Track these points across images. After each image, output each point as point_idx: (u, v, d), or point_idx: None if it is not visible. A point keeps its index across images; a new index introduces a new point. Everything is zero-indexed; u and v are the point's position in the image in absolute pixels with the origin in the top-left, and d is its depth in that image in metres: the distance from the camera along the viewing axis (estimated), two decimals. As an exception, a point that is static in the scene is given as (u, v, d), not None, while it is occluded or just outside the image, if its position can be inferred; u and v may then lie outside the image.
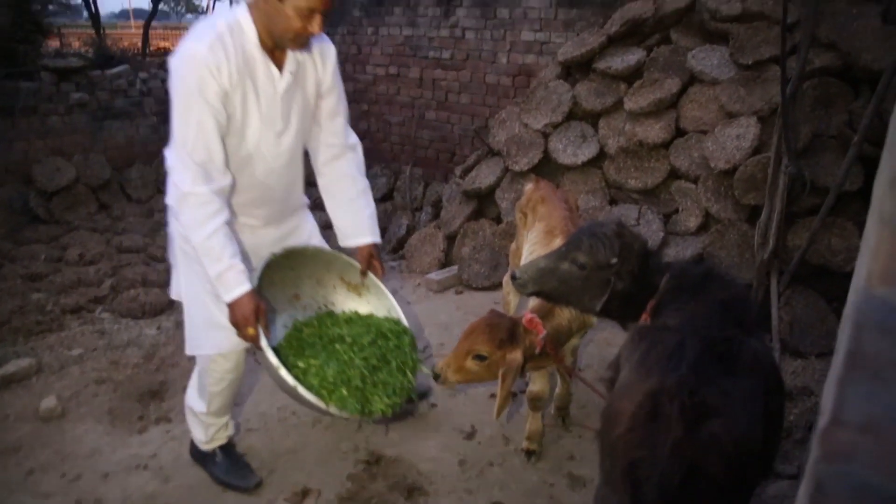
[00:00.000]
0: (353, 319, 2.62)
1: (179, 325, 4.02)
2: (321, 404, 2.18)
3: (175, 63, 1.93)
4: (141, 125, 6.69)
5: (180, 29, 20.55)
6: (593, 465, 2.85)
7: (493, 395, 2.98)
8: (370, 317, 2.65)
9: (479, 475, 2.77)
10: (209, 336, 2.33)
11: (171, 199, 2.13)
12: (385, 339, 2.53)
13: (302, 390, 2.13)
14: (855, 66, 3.95)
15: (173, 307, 4.27)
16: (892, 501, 0.73)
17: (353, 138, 2.49)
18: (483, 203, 5.25)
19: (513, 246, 3.44)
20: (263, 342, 2.10)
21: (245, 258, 2.20)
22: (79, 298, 4.22)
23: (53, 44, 9.84)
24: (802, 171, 3.66)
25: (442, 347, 3.87)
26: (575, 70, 5.14)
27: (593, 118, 4.86)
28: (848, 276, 3.71)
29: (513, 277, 2.13)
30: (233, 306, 2.09)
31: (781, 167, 3.65)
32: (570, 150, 4.79)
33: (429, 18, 6.51)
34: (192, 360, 3.63)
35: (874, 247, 0.69)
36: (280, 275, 2.49)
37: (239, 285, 2.06)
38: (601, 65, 4.80)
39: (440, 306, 4.38)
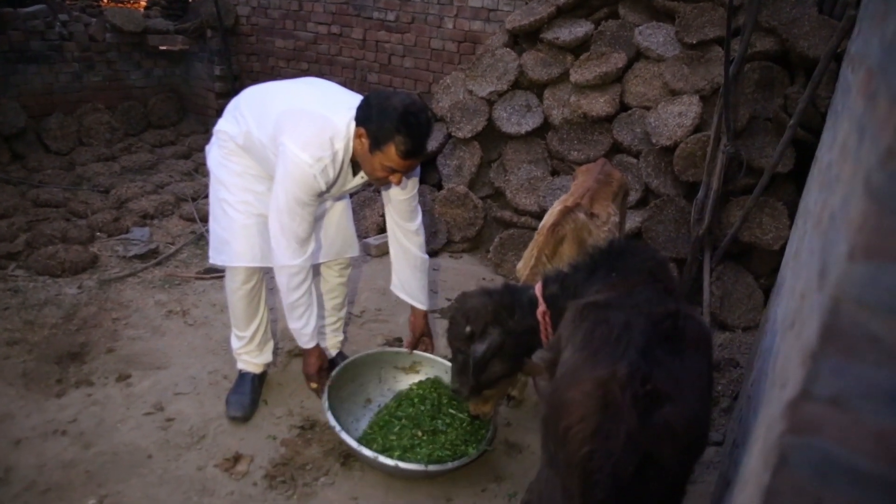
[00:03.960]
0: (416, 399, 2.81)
1: (103, 284, 3.82)
2: (371, 455, 2.40)
3: (292, 163, 2.25)
4: (61, 72, 6.19)
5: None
6: (529, 433, 2.90)
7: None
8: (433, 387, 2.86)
9: (416, 442, 2.76)
10: (219, 250, 2.68)
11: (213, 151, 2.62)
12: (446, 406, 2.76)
13: (357, 447, 2.41)
14: (792, 52, 4.06)
15: (96, 265, 4.04)
16: (855, 474, 0.74)
17: (418, 221, 2.71)
18: (424, 169, 5.16)
19: None
20: (324, 399, 2.56)
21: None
22: (-11, 253, 3.92)
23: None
24: (740, 151, 3.76)
25: (379, 313, 3.82)
26: (522, 39, 5.09)
27: (539, 88, 4.84)
28: (776, 253, 3.88)
29: (453, 392, 2.39)
30: (306, 358, 2.62)
31: (720, 147, 3.74)
32: (515, 118, 4.76)
33: (375, -23, 6.30)
34: (115, 321, 3.47)
35: (859, 220, 0.67)
36: (347, 390, 2.81)
37: (310, 342, 2.57)
38: (549, 35, 4.77)
39: (378, 271, 4.31)
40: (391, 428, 2.63)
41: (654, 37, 4.45)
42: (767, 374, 1.42)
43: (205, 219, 4.77)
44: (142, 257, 4.16)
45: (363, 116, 2.24)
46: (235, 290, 2.71)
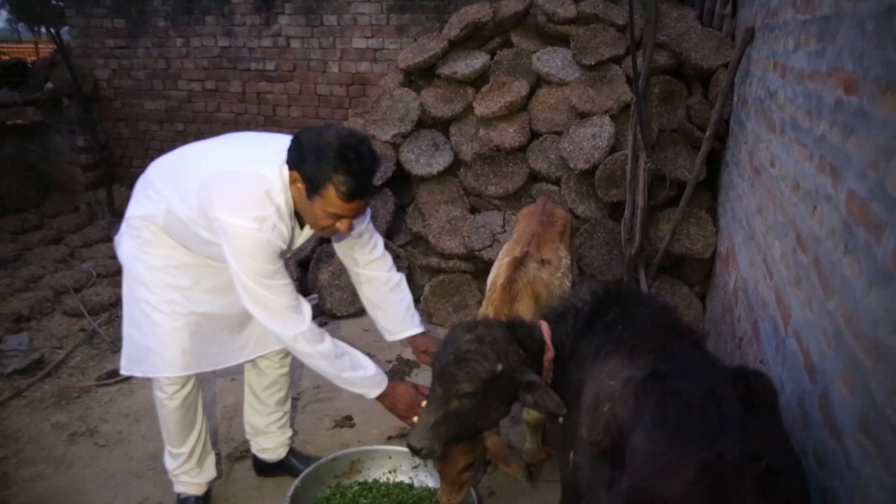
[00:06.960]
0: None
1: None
2: None
3: (236, 236, 1.94)
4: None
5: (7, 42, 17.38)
6: (516, 500, 2.64)
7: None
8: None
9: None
10: (140, 360, 2.27)
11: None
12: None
13: None
14: (687, 65, 4.16)
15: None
16: None
17: (380, 247, 2.41)
18: (334, 223, 4.85)
19: None
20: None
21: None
22: None
23: None
24: (659, 166, 3.76)
25: (318, 391, 3.45)
26: (418, 77, 4.94)
27: (443, 125, 4.69)
28: (707, 261, 3.91)
29: (413, 451, 1.91)
30: (392, 400, 2.19)
31: (640, 163, 3.73)
32: (424, 159, 4.57)
33: (247, 27, 5.96)
34: (2, 460, 2.87)
35: None
36: None
37: (380, 385, 2.17)
38: (446, 70, 4.64)
39: (306, 342, 3.93)
40: None
41: (553, 61, 4.43)
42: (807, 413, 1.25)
43: (94, 311, 4.22)
44: (24, 371, 3.53)
45: (295, 158, 1.91)
46: (167, 402, 2.28)
